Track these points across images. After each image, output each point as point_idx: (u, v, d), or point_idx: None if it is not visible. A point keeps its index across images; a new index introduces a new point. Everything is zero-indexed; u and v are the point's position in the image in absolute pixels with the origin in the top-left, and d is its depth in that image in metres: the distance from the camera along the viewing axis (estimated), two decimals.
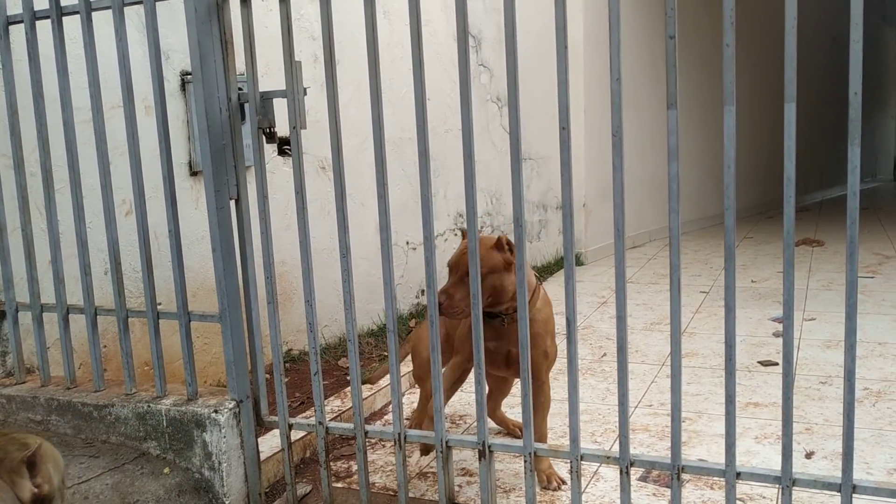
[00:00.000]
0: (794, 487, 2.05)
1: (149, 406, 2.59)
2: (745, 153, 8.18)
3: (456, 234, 5.35)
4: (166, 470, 2.52)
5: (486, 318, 2.62)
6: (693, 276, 6.01)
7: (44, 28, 2.67)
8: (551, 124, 6.16)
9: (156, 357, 2.65)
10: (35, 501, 1.28)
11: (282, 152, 2.66)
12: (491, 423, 3.16)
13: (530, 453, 2.33)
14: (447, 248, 5.23)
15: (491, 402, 3.12)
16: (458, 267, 2.57)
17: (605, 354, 4.15)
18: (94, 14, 2.59)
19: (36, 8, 2.65)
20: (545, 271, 6.30)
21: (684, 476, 2.31)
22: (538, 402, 2.67)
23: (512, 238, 2.45)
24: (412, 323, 4.69)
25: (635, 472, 2.75)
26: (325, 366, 3.93)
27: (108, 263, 2.77)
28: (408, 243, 4.84)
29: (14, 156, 2.75)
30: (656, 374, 3.81)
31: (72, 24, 2.73)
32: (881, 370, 3.71)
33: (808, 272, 6.04)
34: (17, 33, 2.75)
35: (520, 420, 3.08)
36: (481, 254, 2.49)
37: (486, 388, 2.42)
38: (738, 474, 2.11)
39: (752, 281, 5.77)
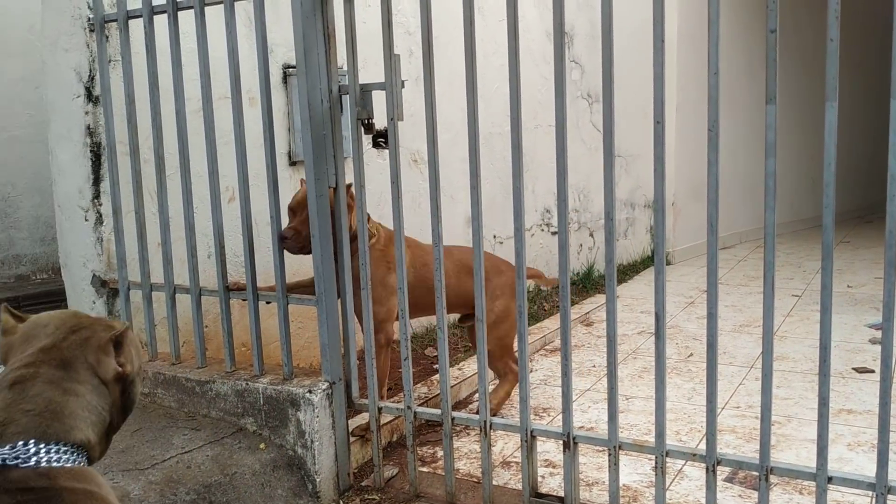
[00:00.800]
0: (889, 495, 2.01)
1: (247, 384, 2.72)
2: (844, 153, 7.90)
3: (543, 230, 5.36)
4: (262, 445, 2.64)
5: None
6: (785, 278, 5.85)
7: (159, 22, 2.83)
8: (641, 122, 6.09)
9: (254, 338, 2.77)
10: (117, 380, 1.36)
11: (376, 144, 2.75)
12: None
13: (615, 447, 2.34)
14: (534, 242, 5.25)
15: None
16: (300, 209, 2.78)
17: (691, 354, 4.10)
18: (205, 9, 2.73)
19: (154, 4, 2.81)
20: (631, 270, 6.24)
21: (772, 479, 2.28)
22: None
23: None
24: None
25: (721, 472, 2.72)
26: (412, 354, 4.00)
27: (212, 247, 2.91)
28: (495, 237, 4.88)
29: (130, 143, 2.93)
30: (744, 376, 3.74)
31: (184, 19, 2.87)
32: None
33: None
34: (135, 27, 2.92)
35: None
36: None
37: (570, 380, 2.43)
38: (830, 479, 2.07)
39: (849, 286, 5.57)
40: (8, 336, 1.36)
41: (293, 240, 2.78)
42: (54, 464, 1.20)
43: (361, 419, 2.92)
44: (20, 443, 1.18)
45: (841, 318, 4.63)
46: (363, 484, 2.76)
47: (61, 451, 1.22)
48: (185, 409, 2.84)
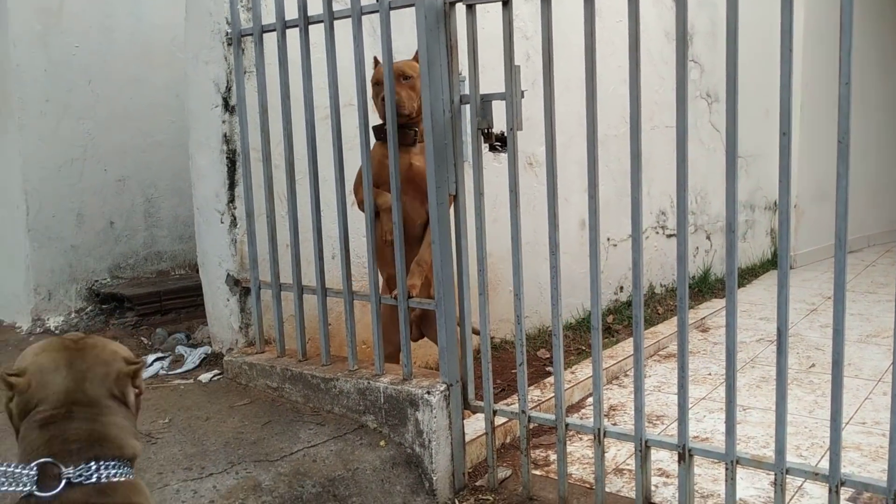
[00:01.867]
0: None
1: (368, 383, 2.84)
2: None
3: (658, 232, 5.29)
4: (382, 443, 2.76)
5: None
6: None
7: (291, 36, 2.98)
8: (763, 121, 5.91)
9: (376, 338, 2.89)
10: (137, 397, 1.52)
11: (492, 149, 2.81)
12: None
13: (732, 461, 2.32)
14: (648, 245, 5.19)
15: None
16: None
17: (813, 365, 3.96)
18: (334, 23, 2.86)
19: (287, 18, 2.96)
20: (750, 274, 6.06)
21: None
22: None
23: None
24: (609, 319, 4.71)
25: (845, 493, 2.63)
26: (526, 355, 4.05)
27: (337, 249, 3.04)
28: (609, 240, 4.86)
29: (262, 150, 3.10)
30: (871, 389, 3.60)
31: (314, 32, 3.01)
32: None
33: None
34: (269, 41, 3.08)
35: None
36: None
37: (686, 391, 2.42)
38: None
39: None
40: (23, 394, 1.42)
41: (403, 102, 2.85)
42: (113, 479, 1.35)
43: (475, 420, 3.00)
44: (83, 464, 1.33)
45: None
46: (477, 484, 2.84)
47: (118, 466, 1.37)
48: (311, 405, 3.00)
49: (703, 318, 4.77)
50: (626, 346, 4.13)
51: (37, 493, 1.31)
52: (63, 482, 1.32)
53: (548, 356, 4.10)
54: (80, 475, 1.33)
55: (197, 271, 4.18)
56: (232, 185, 3.32)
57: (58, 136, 4.13)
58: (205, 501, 2.32)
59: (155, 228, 4.55)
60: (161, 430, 2.82)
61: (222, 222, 3.36)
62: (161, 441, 2.72)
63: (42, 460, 1.32)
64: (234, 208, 3.32)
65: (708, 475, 2.82)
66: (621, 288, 5.05)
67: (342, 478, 2.55)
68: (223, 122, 3.29)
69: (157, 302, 4.14)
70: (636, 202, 2.41)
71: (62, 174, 4.15)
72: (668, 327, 4.51)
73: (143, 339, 3.91)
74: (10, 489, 1.31)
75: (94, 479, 1.34)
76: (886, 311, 4.96)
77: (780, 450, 2.24)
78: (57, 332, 4.06)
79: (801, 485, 2.71)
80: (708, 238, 5.77)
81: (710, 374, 3.90)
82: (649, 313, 4.81)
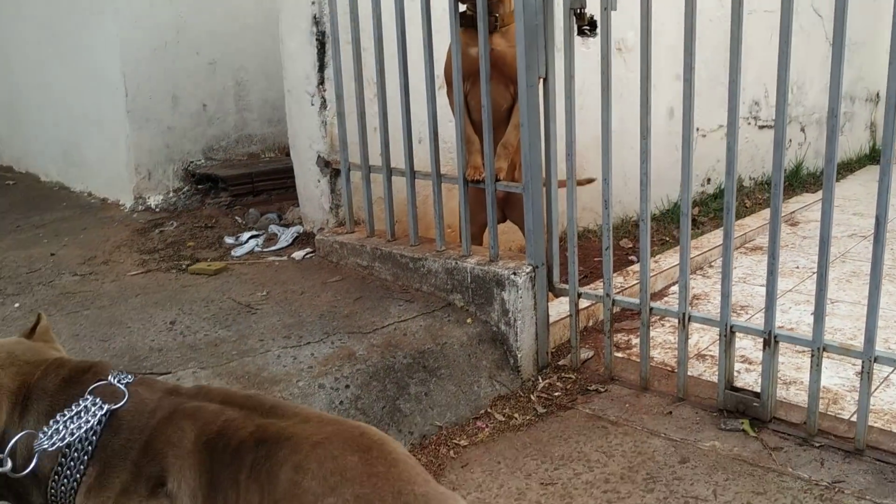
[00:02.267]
0: None
1: (456, 263, 2.92)
2: None
3: (749, 123, 5.12)
4: (469, 320, 2.86)
5: None
6: None
7: None
8: (870, 3, 5.54)
9: (463, 220, 2.95)
10: None
11: (581, 33, 2.75)
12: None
13: (819, 348, 2.33)
14: (739, 137, 5.03)
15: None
16: None
17: None
18: None
19: None
20: (845, 168, 5.84)
21: None
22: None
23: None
24: (695, 211, 4.65)
25: None
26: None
27: (425, 133, 3.07)
28: (698, 130, 4.73)
29: (352, 33, 3.09)
30: None
31: None
32: None
33: None
34: None
35: None
36: None
37: (776, 278, 2.41)
38: None
39: None
40: None
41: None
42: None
43: (559, 304, 3.06)
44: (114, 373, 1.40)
45: None
46: (560, 363, 2.93)
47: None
48: (400, 283, 3.11)
49: (793, 212, 4.66)
50: (712, 238, 4.09)
51: (113, 406, 1.34)
52: (124, 388, 1.37)
53: (630, 245, 4.11)
54: (119, 378, 1.39)
55: (286, 154, 4.28)
56: (322, 68, 3.35)
57: (152, 19, 4.21)
58: (304, 367, 2.48)
59: (245, 112, 4.65)
60: (259, 302, 2.99)
61: (312, 104, 3.42)
62: (260, 312, 2.89)
63: (91, 386, 1.36)
64: (324, 91, 3.37)
65: (791, 363, 2.84)
66: (708, 180, 4.95)
67: (431, 351, 2.68)
68: (312, 3, 3.29)
69: (250, 183, 4.28)
70: (735, 71, 2.35)
71: (157, 57, 4.25)
72: (755, 220, 4.43)
73: (236, 218, 4.08)
74: (92, 422, 1.33)
75: (130, 377, 1.40)
76: None
77: (871, 339, 2.23)
78: (157, 210, 4.27)
79: (888, 376, 2.71)
80: (802, 130, 5.56)
81: (797, 268, 3.85)
82: (737, 206, 4.72)
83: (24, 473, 1.29)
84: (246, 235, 3.69)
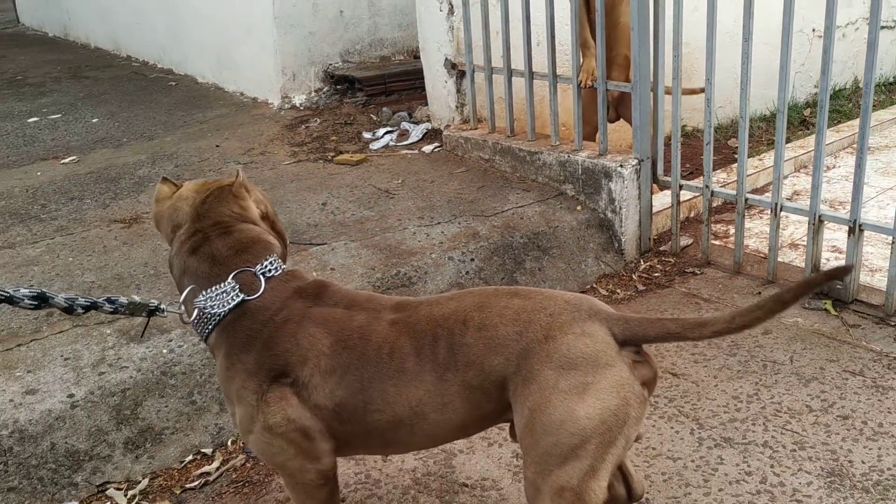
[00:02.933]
0: None
1: (568, 156, 3.25)
2: None
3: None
4: (579, 207, 3.21)
5: None
6: None
7: None
8: None
9: (576, 117, 3.26)
10: (263, 218, 1.66)
11: None
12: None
13: None
14: (857, 37, 5.01)
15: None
16: None
17: None
18: None
19: None
20: None
21: None
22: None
23: None
24: (807, 112, 4.74)
25: None
26: (715, 144, 4.27)
27: (543, 37, 3.35)
28: (814, 30, 4.75)
29: None
30: None
31: None
32: None
33: None
34: None
35: None
36: None
37: (864, 170, 2.62)
38: None
39: None
40: (160, 205, 1.66)
41: None
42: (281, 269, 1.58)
43: (663, 196, 3.35)
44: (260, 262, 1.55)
45: None
46: (661, 249, 3.25)
47: (276, 259, 1.60)
48: (517, 174, 3.47)
49: None
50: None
51: (246, 297, 1.51)
52: (262, 281, 1.53)
53: (737, 145, 4.28)
54: (268, 269, 1.54)
55: (415, 57, 4.66)
56: None
57: None
58: (436, 242, 2.92)
59: (377, 17, 5.02)
60: (396, 188, 3.43)
61: (441, 10, 3.74)
62: (397, 196, 3.34)
63: (236, 271, 1.53)
64: None
65: (880, 254, 3.05)
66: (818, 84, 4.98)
67: (544, 233, 3.06)
68: None
69: (382, 84, 4.69)
70: None
71: None
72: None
73: (371, 115, 4.52)
74: (223, 309, 1.51)
75: (280, 269, 1.56)
76: None
77: None
78: (301, 108, 4.76)
79: None
80: None
81: None
82: (850, 107, 4.77)
83: (191, 321, 1.56)
84: (381, 131, 4.13)
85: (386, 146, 3.99)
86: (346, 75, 4.77)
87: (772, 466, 2.01)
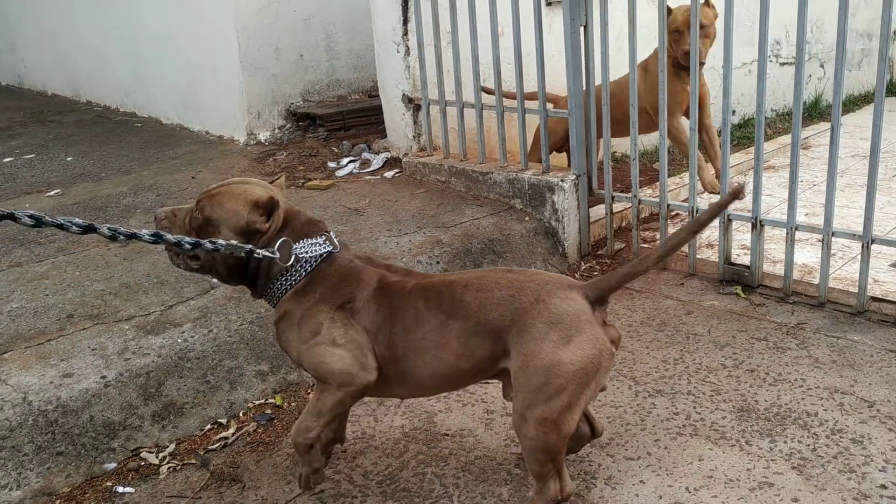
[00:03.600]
0: None
1: (516, 175, 3.74)
2: None
3: (771, 61, 5.75)
4: (527, 218, 3.68)
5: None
6: None
7: None
8: None
9: (522, 141, 3.76)
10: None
11: None
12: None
13: (792, 227, 3.09)
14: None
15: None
16: (688, 26, 3.42)
17: (895, 176, 4.54)
18: None
19: None
20: (862, 100, 6.43)
21: None
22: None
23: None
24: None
25: (876, 251, 3.37)
26: (641, 167, 4.82)
27: (490, 73, 3.85)
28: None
29: None
30: None
31: None
32: None
33: None
34: None
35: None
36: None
37: (760, 175, 3.16)
38: None
39: None
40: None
41: (686, 56, 3.62)
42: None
43: (599, 209, 3.85)
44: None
45: None
46: (598, 252, 3.75)
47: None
48: (472, 193, 3.94)
49: (807, 137, 5.32)
50: (733, 159, 4.80)
51: (331, 250, 2.03)
52: (338, 243, 2.06)
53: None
54: (333, 238, 2.07)
55: (369, 96, 5.13)
56: (405, 21, 4.15)
57: None
58: (405, 249, 3.35)
59: (335, 60, 5.49)
60: (364, 207, 3.85)
61: (398, 52, 4.23)
62: (366, 214, 3.76)
63: (324, 231, 2.04)
64: (408, 40, 4.17)
65: (780, 249, 3.59)
66: (733, 112, 5.63)
67: (498, 240, 3.52)
68: None
69: (341, 120, 5.13)
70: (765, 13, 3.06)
71: (263, 14, 5.09)
72: (772, 145, 5.13)
73: (333, 148, 4.95)
74: (317, 252, 2.00)
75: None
76: None
77: (829, 218, 2.99)
78: (266, 143, 5.16)
79: (856, 256, 3.45)
80: (822, 66, 6.16)
81: (801, 181, 4.55)
82: (742, 136, 5.42)
83: (289, 263, 2.00)
84: (345, 160, 4.56)
85: (350, 173, 4.43)
86: (308, 113, 5.20)
87: (694, 407, 2.48)
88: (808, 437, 2.30)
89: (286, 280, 2.05)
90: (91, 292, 3.03)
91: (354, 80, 5.59)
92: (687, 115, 3.70)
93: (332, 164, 4.59)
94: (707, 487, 2.12)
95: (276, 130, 5.26)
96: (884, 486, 2.08)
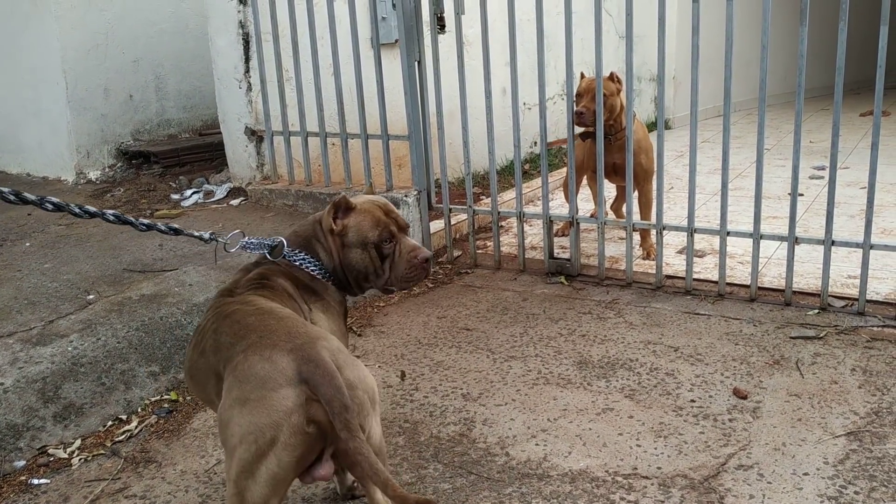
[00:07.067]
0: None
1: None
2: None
3: (563, 99, 6.61)
4: None
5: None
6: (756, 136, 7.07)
7: None
8: (647, 5, 7.20)
9: (365, 163, 4.17)
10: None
11: (441, 28, 4.03)
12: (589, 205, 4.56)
13: (602, 223, 3.73)
14: (555, 109, 6.52)
15: (615, 204, 4.47)
16: (588, 92, 3.86)
17: (672, 187, 5.44)
18: None
19: None
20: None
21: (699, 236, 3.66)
22: (642, 201, 4.03)
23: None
24: (526, 166, 6.07)
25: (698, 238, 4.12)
26: (473, 189, 5.39)
27: (333, 103, 4.24)
28: (524, 104, 6.15)
29: (272, 32, 4.23)
30: (706, 200, 5.09)
31: None
32: None
33: (864, 135, 7.02)
34: None
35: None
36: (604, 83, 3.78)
37: (546, 179, 3.79)
38: (729, 232, 3.45)
39: (811, 141, 6.83)
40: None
41: (587, 115, 3.79)
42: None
43: (439, 222, 4.32)
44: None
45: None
46: (439, 259, 4.21)
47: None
48: (319, 212, 4.27)
49: None
50: (538, 182, 5.50)
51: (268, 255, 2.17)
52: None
53: (479, 191, 5.45)
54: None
55: (200, 134, 5.33)
56: (247, 60, 4.46)
57: (85, 24, 5.11)
58: None
59: (164, 100, 5.62)
60: (220, 230, 4.06)
61: (240, 88, 4.51)
62: (221, 236, 3.96)
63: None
64: (250, 77, 4.47)
65: (595, 245, 4.25)
66: (535, 143, 6.41)
67: None
68: (238, 11, 4.39)
69: (176, 157, 5.27)
70: (542, 67, 3.69)
71: (90, 56, 5.16)
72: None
73: (170, 183, 5.08)
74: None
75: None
76: (738, 156, 6.48)
77: (629, 212, 3.65)
78: (98, 182, 5.17)
79: (653, 243, 4.16)
80: None
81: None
82: (557, 161, 6.20)
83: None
84: (189, 192, 4.73)
85: (196, 203, 4.60)
86: (142, 150, 5.29)
87: (543, 365, 2.97)
88: (633, 376, 2.86)
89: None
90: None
91: (185, 119, 5.74)
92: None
93: (175, 196, 4.73)
94: (563, 417, 2.60)
95: (107, 169, 5.28)
96: (693, 401, 2.66)
